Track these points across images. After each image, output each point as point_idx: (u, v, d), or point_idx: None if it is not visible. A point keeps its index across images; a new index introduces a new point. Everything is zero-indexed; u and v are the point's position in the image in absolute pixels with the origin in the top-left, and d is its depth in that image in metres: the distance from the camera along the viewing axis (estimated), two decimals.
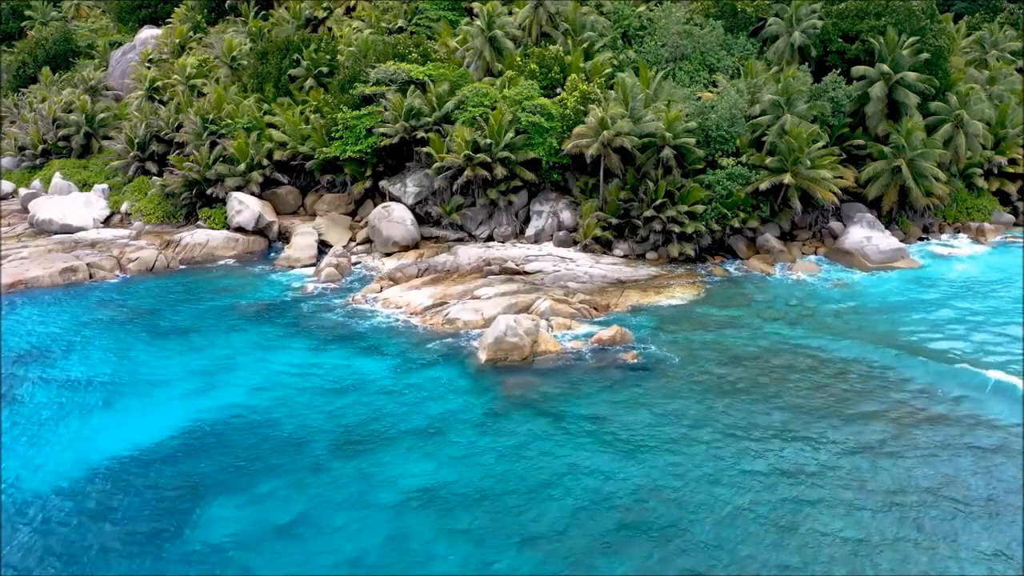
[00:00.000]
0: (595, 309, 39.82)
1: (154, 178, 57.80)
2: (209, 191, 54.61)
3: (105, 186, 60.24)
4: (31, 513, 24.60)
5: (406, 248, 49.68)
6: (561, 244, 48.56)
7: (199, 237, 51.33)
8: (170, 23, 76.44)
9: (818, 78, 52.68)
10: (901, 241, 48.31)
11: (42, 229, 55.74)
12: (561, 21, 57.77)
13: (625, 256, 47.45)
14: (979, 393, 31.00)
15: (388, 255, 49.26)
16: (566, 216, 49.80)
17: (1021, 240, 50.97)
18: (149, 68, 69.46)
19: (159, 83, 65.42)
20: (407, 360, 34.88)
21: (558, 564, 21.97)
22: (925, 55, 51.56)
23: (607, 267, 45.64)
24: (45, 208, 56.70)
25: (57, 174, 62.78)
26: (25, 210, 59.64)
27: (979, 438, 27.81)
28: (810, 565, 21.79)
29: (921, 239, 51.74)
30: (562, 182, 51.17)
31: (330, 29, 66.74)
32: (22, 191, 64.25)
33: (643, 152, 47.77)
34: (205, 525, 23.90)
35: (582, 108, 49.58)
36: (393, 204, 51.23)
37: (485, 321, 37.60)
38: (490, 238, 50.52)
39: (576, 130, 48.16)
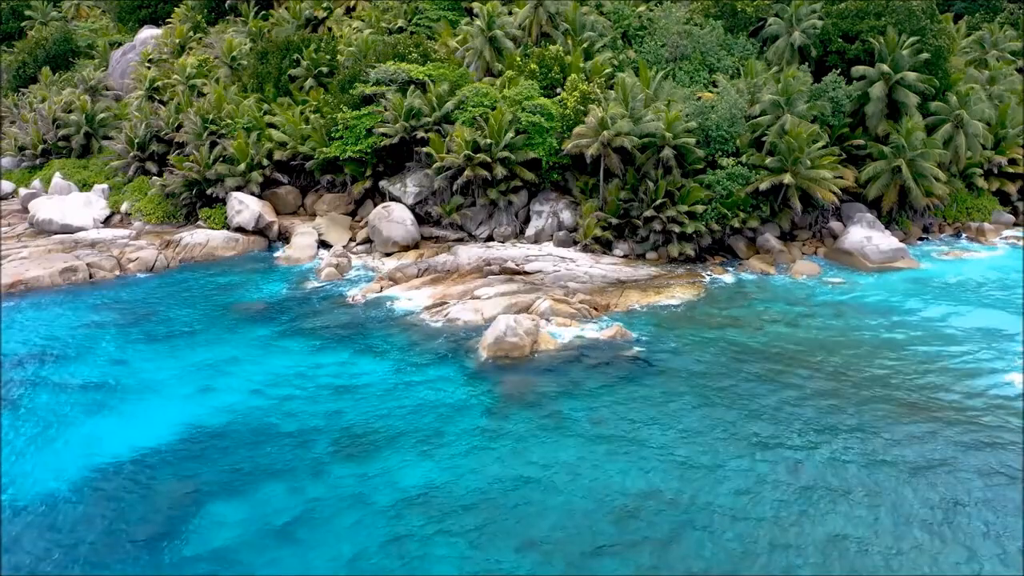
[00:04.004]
0: (595, 309, 39.82)
1: (154, 178, 57.82)
2: (209, 191, 54.64)
3: (105, 186, 60.27)
4: (30, 515, 24.59)
5: (406, 248, 49.68)
6: (561, 244, 48.55)
7: (199, 237, 51.33)
8: (170, 23, 76.43)
9: (818, 78, 52.65)
10: (901, 241, 48.27)
11: (42, 229, 55.74)
12: (561, 21, 57.77)
13: (625, 256, 47.44)
14: (978, 394, 31.04)
15: (388, 255, 49.26)
16: (566, 216, 49.80)
17: (1021, 240, 50.97)
18: (149, 68, 69.46)
19: (159, 83, 65.43)
20: (407, 360, 34.88)
21: (557, 565, 21.96)
22: (925, 55, 51.52)
23: (607, 267, 45.63)
24: (45, 208, 56.70)
25: (57, 174, 62.80)
26: (25, 210, 59.65)
27: (980, 434, 27.80)
28: (812, 565, 21.78)
29: (921, 239, 51.74)
30: (562, 182, 51.16)
31: (330, 29, 66.74)
32: (22, 191, 64.27)
33: (643, 152, 47.76)
34: (205, 527, 23.89)
35: (582, 108, 49.58)
36: (393, 204, 51.23)
37: (485, 321, 37.61)
38: (490, 238, 50.52)
39: (576, 130, 48.16)
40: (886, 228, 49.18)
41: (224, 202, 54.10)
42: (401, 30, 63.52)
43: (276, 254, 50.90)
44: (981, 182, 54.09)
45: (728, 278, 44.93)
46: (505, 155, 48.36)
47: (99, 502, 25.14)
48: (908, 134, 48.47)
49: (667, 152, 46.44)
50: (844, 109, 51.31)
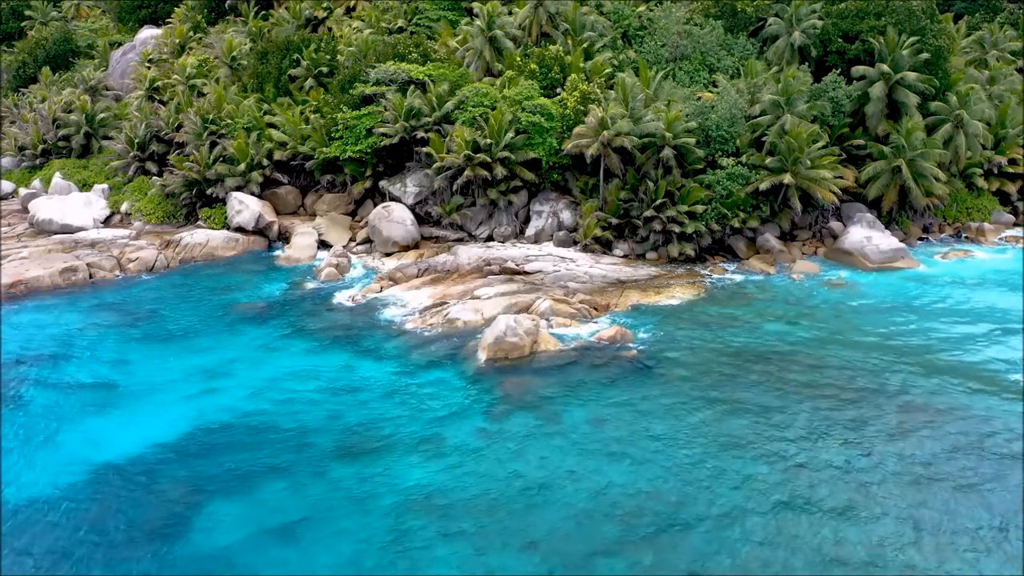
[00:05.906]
0: (595, 309, 39.82)
1: (154, 178, 57.83)
2: (209, 191, 54.65)
3: (105, 186, 60.27)
4: (31, 515, 24.61)
5: (406, 248, 49.68)
6: (561, 244, 48.56)
7: (199, 237, 51.32)
8: (170, 23, 76.42)
9: (818, 78, 52.62)
10: (901, 241, 48.25)
11: (42, 229, 55.74)
12: (561, 21, 57.76)
13: (625, 256, 47.45)
14: (979, 394, 31.05)
15: (388, 255, 49.26)
16: (566, 216, 49.80)
17: (1021, 240, 50.96)
18: (149, 68, 69.44)
19: (159, 83, 65.43)
20: (407, 361, 34.87)
21: (557, 566, 21.96)
22: (925, 55, 51.49)
23: (607, 267, 45.64)
24: (45, 208, 56.71)
25: (57, 174, 62.80)
26: (25, 210, 59.65)
27: (977, 429, 27.81)
28: (812, 566, 21.78)
29: (921, 239, 51.72)
30: (562, 182, 51.16)
31: (330, 29, 66.73)
32: (22, 191, 64.27)
33: (643, 152, 47.76)
34: (205, 527, 23.91)
35: (582, 108, 49.58)
36: (393, 204, 51.24)
37: (485, 321, 37.61)
38: (490, 238, 50.52)
39: (576, 130, 48.16)
40: (886, 228, 49.16)
41: (224, 202, 54.11)
42: (401, 30, 63.52)
43: (276, 254, 50.91)
44: (981, 182, 54.05)
45: (728, 278, 44.93)
46: (505, 155, 48.36)
47: (100, 502, 25.16)
48: (908, 134, 48.46)
49: (667, 152, 46.44)
50: (844, 109, 51.29)
